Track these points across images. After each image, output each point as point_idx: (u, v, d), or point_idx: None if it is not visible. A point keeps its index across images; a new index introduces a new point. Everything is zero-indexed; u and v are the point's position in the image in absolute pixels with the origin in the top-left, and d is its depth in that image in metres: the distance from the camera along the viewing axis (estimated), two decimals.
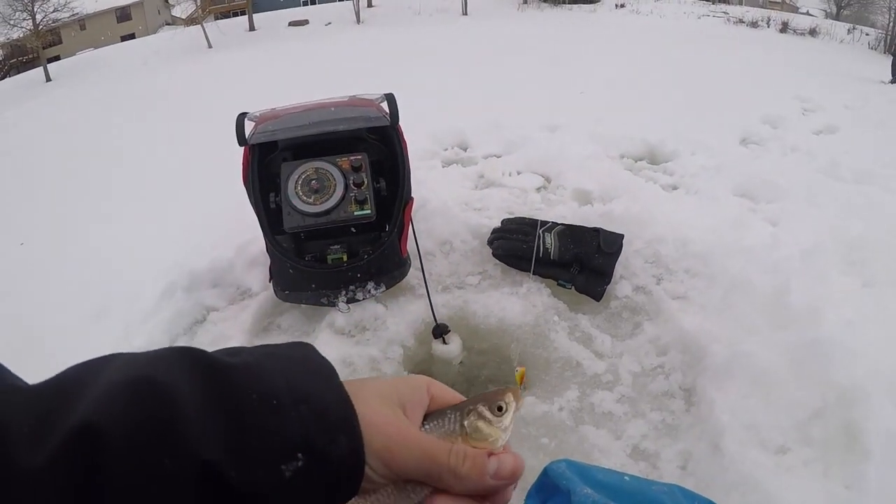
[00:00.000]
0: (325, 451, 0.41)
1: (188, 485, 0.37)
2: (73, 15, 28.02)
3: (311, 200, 2.37)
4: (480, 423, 0.48)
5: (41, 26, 24.87)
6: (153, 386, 0.39)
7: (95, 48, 31.64)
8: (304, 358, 0.47)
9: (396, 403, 0.47)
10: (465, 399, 0.51)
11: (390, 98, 2.47)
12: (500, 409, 0.49)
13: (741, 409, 1.92)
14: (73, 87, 15.68)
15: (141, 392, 0.38)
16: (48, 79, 20.98)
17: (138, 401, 0.38)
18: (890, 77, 10.47)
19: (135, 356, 0.42)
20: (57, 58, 29.82)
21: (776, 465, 1.76)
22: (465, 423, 0.48)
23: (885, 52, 17.87)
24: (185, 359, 0.42)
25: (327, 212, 2.37)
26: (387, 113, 2.44)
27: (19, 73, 26.86)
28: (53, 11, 25.18)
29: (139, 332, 2.53)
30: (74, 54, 30.65)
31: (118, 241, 3.85)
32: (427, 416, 0.49)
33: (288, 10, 31.57)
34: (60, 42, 36.79)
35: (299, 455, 0.40)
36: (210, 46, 21.70)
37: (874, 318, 2.25)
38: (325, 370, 0.46)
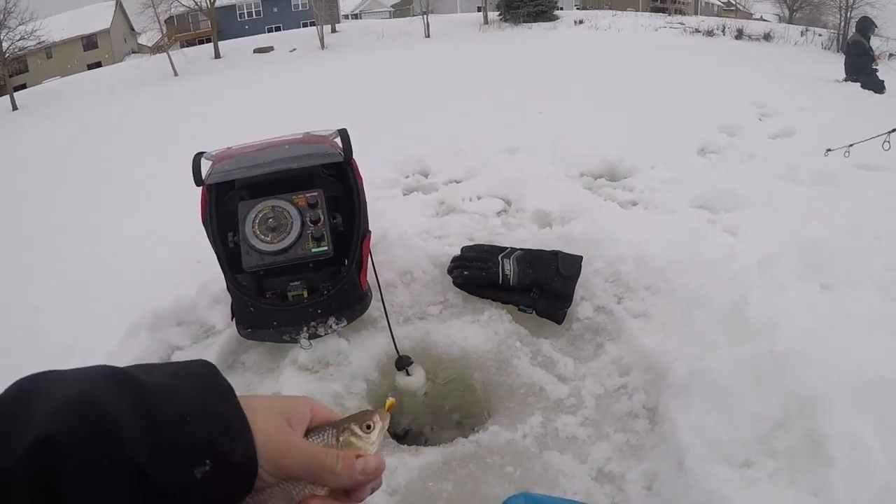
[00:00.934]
0: (227, 456, 0.51)
1: (126, 487, 0.46)
2: (40, 43, 27.85)
3: (268, 239, 2.38)
4: (353, 439, 0.60)
5: (7, 54, 24.66)
6: (94, 404, 0.47)
7: (62, 76, 31.43)
8: (210, 379, 0.57)
9: (283, 418, 0.58)
10: (342, 417, 0.62)
11: (343, 133, 2.49)
12: (368, 427, 0.60)
13: (703, 425, 1.92)
14: (40, 117, 15.49)
15: (85, 408, 0.47)
16: (15, 107, 20.73)
17: (84, 416, 0.46)
18: (844, 75, 10.68)
19: (66, 374, 0.52)
20: (24, 86, 29.58)
21: (741, 479, 1.77)
22: (341, 438, 0.59)
23: (837, 51, 18.21)
24: (113, 378, 0.51)
25: (285, 250, 2.37)
26: (340, 149, 2.45)
27: None
28: (20, 39, 25.03)
29: None
30: (41, 83, 30.40)
31: (80, 280, 3.80)
32: (309, 431, 0.60)
33: (253, 37, 31.67)
34: (27, 70, 36.68)
35: (207, 461, 0.50)
36: (176, 74, 21.65)
37: (833, 323, 2.25)
38: (225, 391, 0.56)
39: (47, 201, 6.35)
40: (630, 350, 2.38)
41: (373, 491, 0.61)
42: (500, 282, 2.62)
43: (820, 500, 1.63)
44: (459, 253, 2.84)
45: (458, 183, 4.35)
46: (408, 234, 3.06)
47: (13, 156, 9.73)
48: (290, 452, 0.56)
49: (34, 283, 4.00)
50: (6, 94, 22.05)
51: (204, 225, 2.50)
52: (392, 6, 55.37)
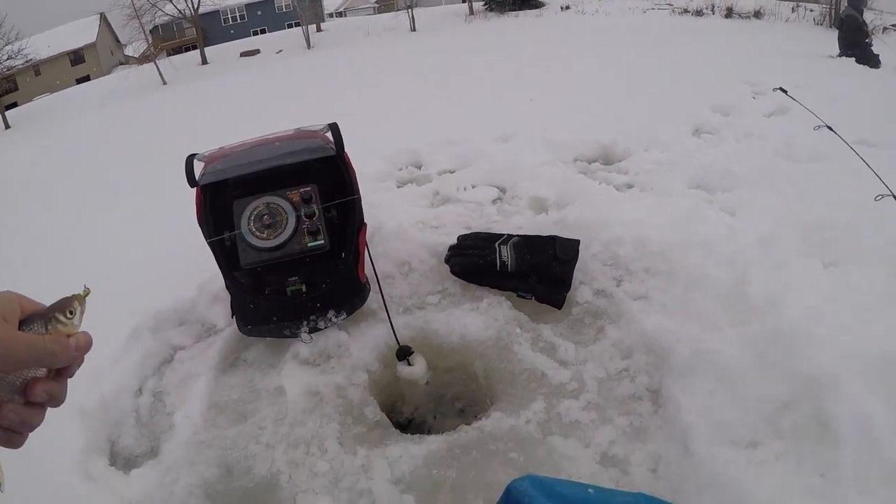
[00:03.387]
0: None
1: None
2: (28, 61, 27.92)
3: (264, 236, 2.39)
4: (59, 325, 0.68)
5: None
6: None
7: (52, 92, 31.43)
8: None
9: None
10: (45, 308, 0.70)
11: (334, 128, 2.48)
12: (71, 312, 0.69)
13: (707, 407, 1.91)
14: (33, 133, 15.45)
15: None
16: (7, 126, 20.72)
17: None
18: (838, 51, 10.57)
19: None
20: (14, 104, 29.53)
21: (747, 460, 1.75)
22: (49, 326, 0.67)
23: (830, 27, 17.98)
24: None
25: (281, 245, 2.38)
26: (331, 143, 2.44)
27: None
28: (7, 59, 25.01)
29: (109, 376, 2.48)
30: (32, 100, 30.38)
31: (79, 284, 3.78)
32: (22, 322, 0.67)
33: (239, 40, 31.46)
34: (17, 89, 36.63)
35: None
36: (164, 83, 21.56)
37: (838, 300, 2.22)
38: None
39: (44, 210, 6.33)
40: (631, 333, 2.37)
41: (78, 366, 0.71)
42: (498, 269, 2.62)
43: (827, 480, 1.61)
44: (456, 242, 2.83)
45: (451, 173, 4.34)
46: (404, 225, 3.05)
47: (7, 172, 9.71)
48: (12, 344, 0.64)
49: (33, 285, 3.98)
50: None
51: (200, 225, 2.49)
52: (376, 2, 55.02)
